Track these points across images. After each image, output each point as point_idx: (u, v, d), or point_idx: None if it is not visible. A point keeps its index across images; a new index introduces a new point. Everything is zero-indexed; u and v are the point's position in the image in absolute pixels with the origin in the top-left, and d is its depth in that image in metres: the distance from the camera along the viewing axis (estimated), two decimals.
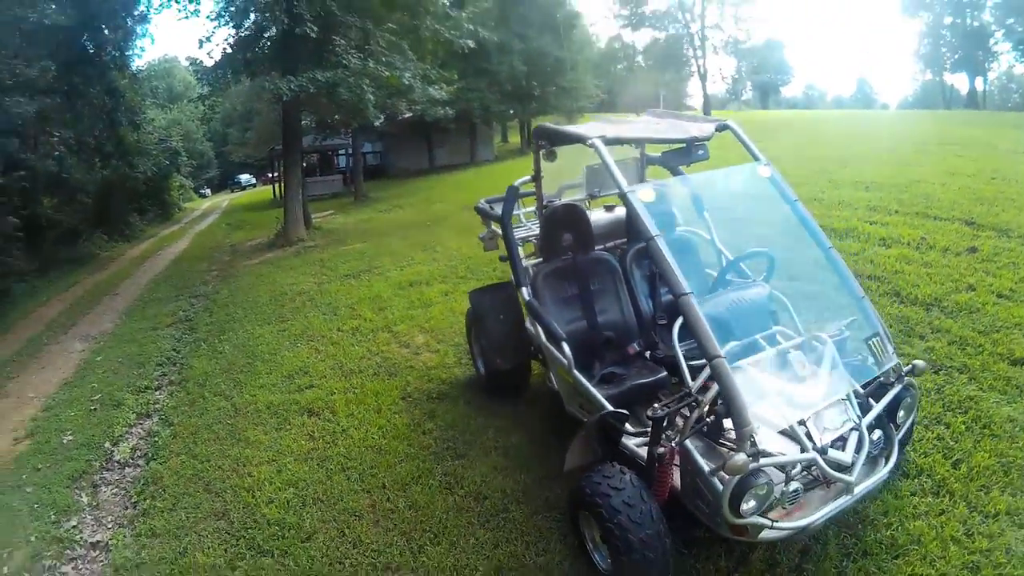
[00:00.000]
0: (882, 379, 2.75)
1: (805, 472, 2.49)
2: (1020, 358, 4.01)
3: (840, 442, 2.52)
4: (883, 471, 2.58)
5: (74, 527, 4.08)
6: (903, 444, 3.08)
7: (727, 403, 2.41)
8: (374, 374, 5.51)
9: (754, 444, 2.30)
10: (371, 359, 5.87)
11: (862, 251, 6.07)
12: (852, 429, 2.54)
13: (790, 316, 3.10)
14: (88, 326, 9.46)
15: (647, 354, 3.49)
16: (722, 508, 2.26)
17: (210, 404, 5.51)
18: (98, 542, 3.92)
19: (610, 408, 2.90)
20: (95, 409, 5.95)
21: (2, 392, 6.91)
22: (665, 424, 2.57)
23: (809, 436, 2.45)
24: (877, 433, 2.63)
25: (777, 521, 2.35)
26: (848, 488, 2.44)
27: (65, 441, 5.33)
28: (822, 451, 2.42)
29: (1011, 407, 3.56)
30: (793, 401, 2.51)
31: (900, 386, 2.70)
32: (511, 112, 31.87)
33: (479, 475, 3.78)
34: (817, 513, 2.40)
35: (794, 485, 2.43)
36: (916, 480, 3.14)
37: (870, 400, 2.70)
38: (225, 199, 36.12)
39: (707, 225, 3.82)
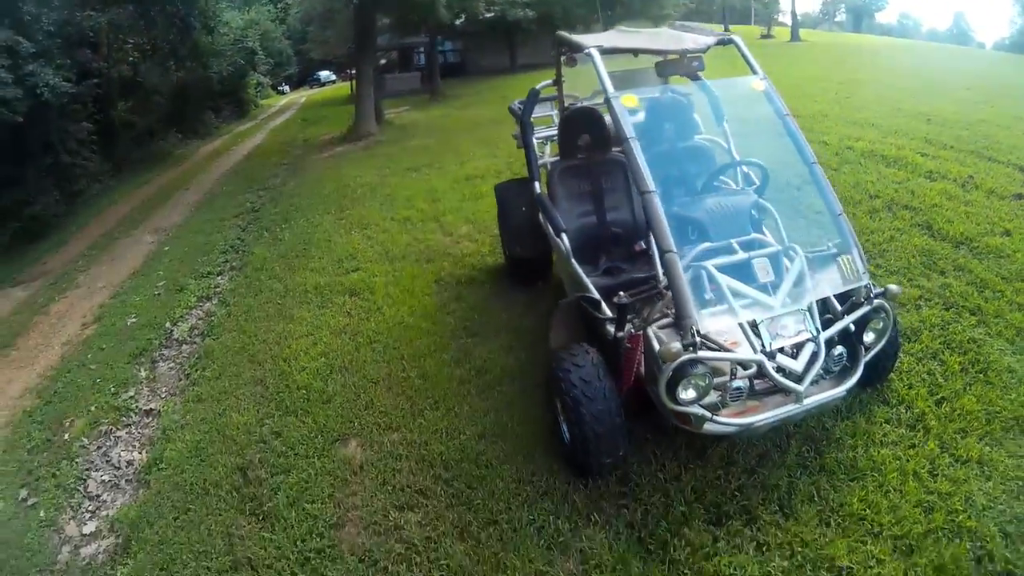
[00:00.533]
0: (854, 299, 2.63)
1: (764, 378, 2.47)
2: None
3: (795, 350, 2.47)
4: (841, 388, 2.52)
5: (131, 397, 4.45)
6: (883, 370, 3.02)
7: (673, 295, 2.42)
8: (416, 260, 5.65)
9: (694, 336, 2.30)
10: (416, 246, 6.00)
11: (906, 180, 5.62)
12: (808, 340, 2.48)
13: (777, 227, 3.00)
14: (159, 220, 9.76)
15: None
16: (660, 392, 2.31)
17: (264, 286, 5.76)
18: (151, 409, 4.28)
19: (595, 294, 2.95)
20: (159, 294, 6.28)
21: (73, 284, 7.36)
22: (633, 311, 2.60)
23: (761, 340, 2.43)
24: (839, 350, 2.56)
25: (718, 416, 2.38)
26: (797, 397, 2.41)
27: (129, 323, 5.70)
28: (770, 355, 2.40)
29: (1014, 358, 3.28)
30: (748, 304, 2.48)
31: (868, 307, 2.57)
32: (595, 16, 29.83)
33: (487, 352, 3.95)
34: (762, 415, 2.40)
35: (737, 383, 2.43)
36: (894, 409, 3.01)
37: (845, 318, 2.60)
38: (303, 95, 35.99)
39: (725, 133, 3.63)
